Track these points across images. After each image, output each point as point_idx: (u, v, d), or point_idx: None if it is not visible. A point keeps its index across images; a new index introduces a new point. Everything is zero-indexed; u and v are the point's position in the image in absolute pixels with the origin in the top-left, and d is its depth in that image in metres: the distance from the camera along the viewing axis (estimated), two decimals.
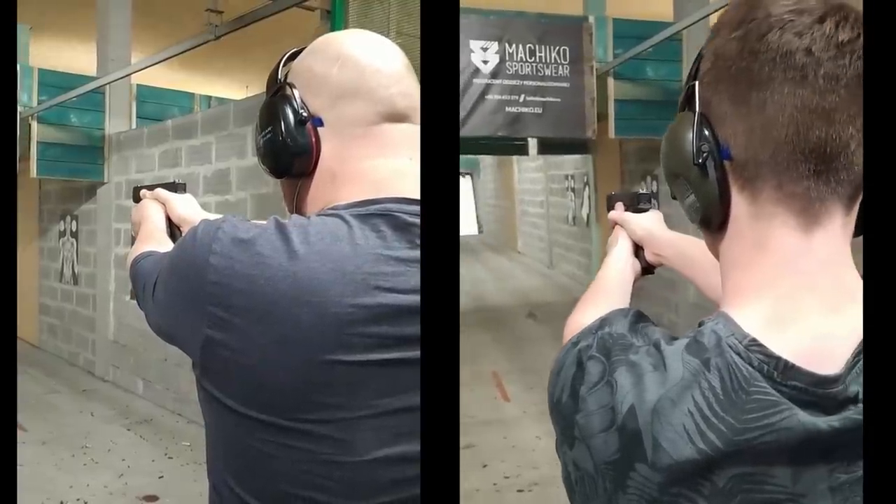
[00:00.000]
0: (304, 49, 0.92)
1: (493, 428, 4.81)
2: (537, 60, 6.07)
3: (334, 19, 3.92)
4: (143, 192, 1.26)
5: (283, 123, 0.87)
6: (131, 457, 4.61)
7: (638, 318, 0.67)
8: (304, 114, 0.86)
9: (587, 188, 9.26)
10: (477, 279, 11.52)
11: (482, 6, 6.15)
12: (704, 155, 0.61)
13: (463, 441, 4.52)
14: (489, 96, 5.96)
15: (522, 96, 6.02)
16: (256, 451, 0.77)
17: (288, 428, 0.76)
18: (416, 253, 0.80)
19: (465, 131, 5.97)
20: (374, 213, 0.81)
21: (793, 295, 0.58)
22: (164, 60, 5.30)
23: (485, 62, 5.96)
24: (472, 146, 8.62)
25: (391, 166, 0.85)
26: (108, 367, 6.59)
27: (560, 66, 6.11)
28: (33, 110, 6.22)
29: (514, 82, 6.00)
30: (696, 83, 0.64)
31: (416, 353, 0.79)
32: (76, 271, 7.20)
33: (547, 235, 12.00)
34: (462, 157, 14.57)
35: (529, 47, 6.04)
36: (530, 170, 13.01)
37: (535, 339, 7.13)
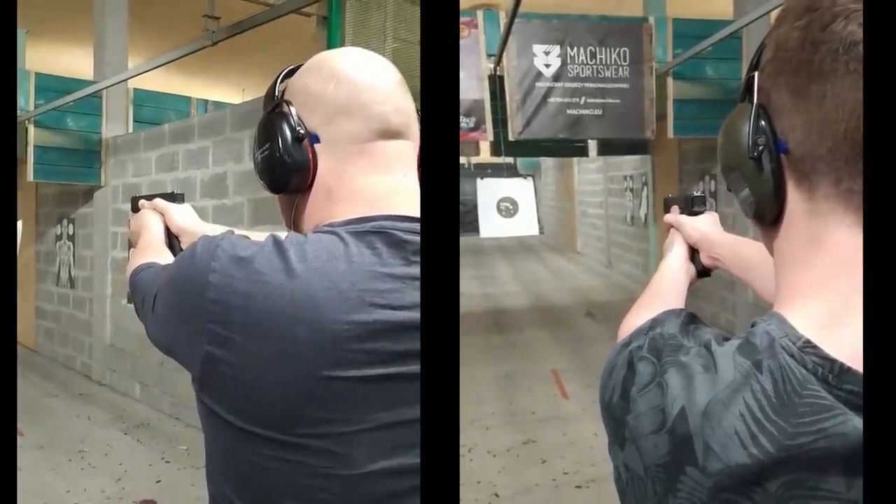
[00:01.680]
0: (300, 66, 0.94)
1: (553, 424, 4.87)
2: (598, 62, 6.15)
3: (331, 25, 3.93)
4: (141, 201, 1.27)
5: (280, 140, 0.88)
6: (128, 461, 4.62)
7: (690, 319, 0.66)
8: (301, 131, 0.88)
9: (645, 188, 9.34)
10: (537, 279, 11.77)
11: (545, 10, 6.18)
12: (760, 148, 0.60)
13: (523, 437, 4.62)
14: (551, 99, 6.06)
15: (583, 98, 6.11)
16: (255, 465, 0.79)
17: (286, 442, 0.77)
18: (411, 269, 0.82)
19: (528, 134, 6.08)
20: (370, 231, 0.82)
21: (849, 295, 0.55)
22: (161, 65, 5.31)
23: (547, 66, 6.06)
24: (534, 149, 8.69)
25: (386, 183, 0.87)
26: (104, 371, 6.59)
27: (620, 68, 6.19)
28: (30, 114, 6.23)
29: (575, 85, 6.09)
30: (756, 74, 0.61)
31: (412, 368, 0.80)
32: (73, 275, 7.20)
33: (606, 236, 12.19)
34: (524, 160, 14.69)
35: (590, 50, 6.13)
36: (590, 171, 13.22)
37: (594, 337, 7.20)
